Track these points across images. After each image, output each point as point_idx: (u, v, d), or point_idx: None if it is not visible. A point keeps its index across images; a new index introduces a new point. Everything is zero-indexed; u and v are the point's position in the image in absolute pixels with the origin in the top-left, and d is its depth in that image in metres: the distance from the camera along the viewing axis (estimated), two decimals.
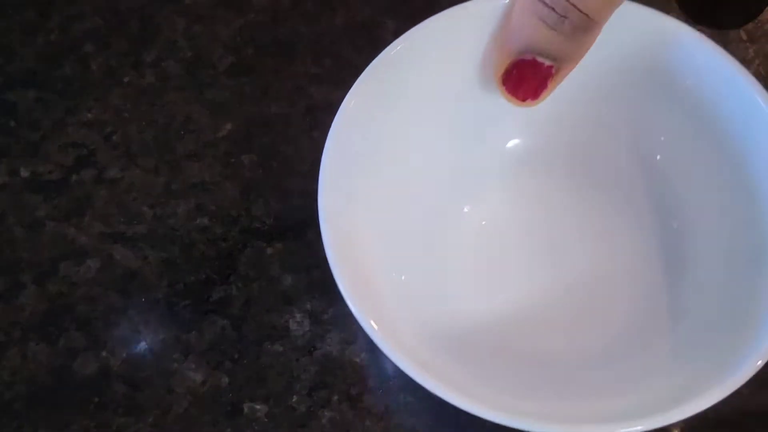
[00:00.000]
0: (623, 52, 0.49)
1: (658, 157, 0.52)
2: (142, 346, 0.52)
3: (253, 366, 0.51)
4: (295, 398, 0.50)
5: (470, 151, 0.53)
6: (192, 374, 0.51)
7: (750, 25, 0.63)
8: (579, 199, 0.54)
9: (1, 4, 0.63)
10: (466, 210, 0.53)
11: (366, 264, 0.44)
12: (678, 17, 0.63)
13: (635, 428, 0.38)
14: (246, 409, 0.50)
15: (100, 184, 0.56)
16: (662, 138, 0.52)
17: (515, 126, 0.53)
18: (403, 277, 0.48)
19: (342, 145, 0.45)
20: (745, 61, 0.61)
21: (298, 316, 0.52)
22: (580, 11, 0.40)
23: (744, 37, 0.63)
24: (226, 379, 0.51)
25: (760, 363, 0.39)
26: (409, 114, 0.49)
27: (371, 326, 0.40)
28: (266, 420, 0.50)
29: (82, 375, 0.51)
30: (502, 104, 0.49)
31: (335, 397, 0.50)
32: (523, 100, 0.44)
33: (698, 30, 0.61)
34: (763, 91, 0.45)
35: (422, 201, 0.51)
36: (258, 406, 0.50)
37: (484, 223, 0.53)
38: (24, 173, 0.57)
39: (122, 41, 0.62)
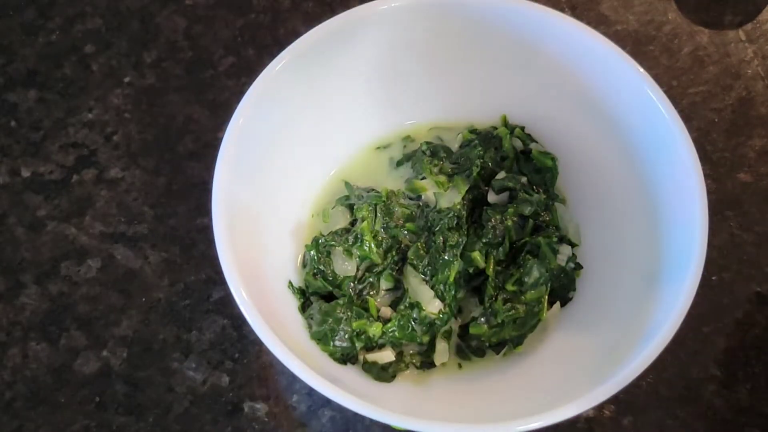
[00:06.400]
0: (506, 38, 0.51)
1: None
2: (143, 345, 0.52)
3: (254, 365, 0.51)
4: (295, 397, 0.51)
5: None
6: (192, 373, 0.51)
7: (749, 26, 0.63)
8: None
9: (2, 4, 0.63)
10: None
11: (257, 263, 0.47)
12: (677, 17, 0.63)
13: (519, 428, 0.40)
14: (246, 409, 0.50)
15: (101, 184, 0.57)
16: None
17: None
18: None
19: (238, 151, 0.46)
20: (744, 62, 0.61)
21: None
22: None
23: (743, 37, 0.63)
24: (226, 379, 0.51)
25: (622, 385, 0.41)
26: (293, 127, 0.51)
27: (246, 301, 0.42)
28: (266, 419, 0.50)
29: (83, 374, 0.51)
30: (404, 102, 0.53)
31: None
32: None
33: (697, 30, 0.61)
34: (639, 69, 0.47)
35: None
36: (258, 405, 0.50)
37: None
38: (25, 173, 0.57)
39: (123, 42, 0.62)
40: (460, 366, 0.49)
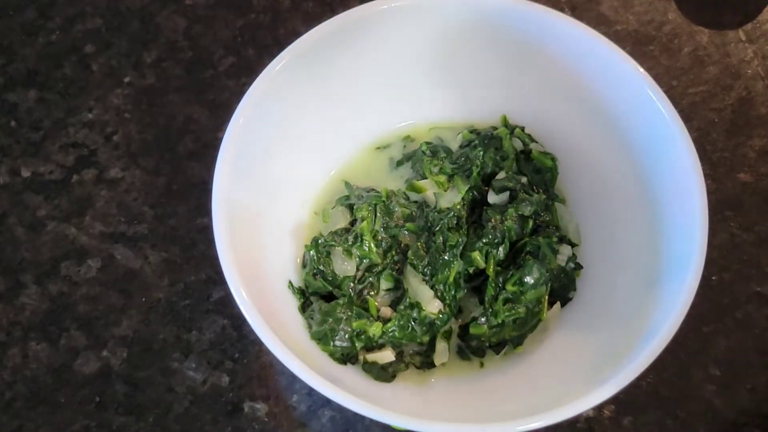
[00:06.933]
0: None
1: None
2: (143, 345, 0.52)
3: (254, 365, 0.51)
4: (295, 397, 0.51)
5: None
6: (192, 373, 0.51)
7: (749, 26, 0.63)
8: None
9: (2, 4, 0.63)
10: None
11: (257, 263, 0.47)
12: (677, 17, 0.63)
13: (526, 426, 0.40)
14: (246, 408, 0.50)
15: (101, 184, 0.57)
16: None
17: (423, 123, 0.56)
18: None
19: (238, 151, 0.46)
20: (744, 62, 0.61)
21: None
22: None
23: (743, 37, 0.63)
24: (226, 379, 0.51)
25: (622, 385, 0.41)
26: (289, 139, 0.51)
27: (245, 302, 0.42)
28: (266, 419, 0.50)
29: (83, 374, 0.51)
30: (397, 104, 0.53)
31: None
32: None
33: (697, 30, 0.61)
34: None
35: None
36: (258, 405, 0.50)
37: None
38: (25, 173, 0.57)
39: (123, 41, 0.62)
40: (482, 365, 0.49)
